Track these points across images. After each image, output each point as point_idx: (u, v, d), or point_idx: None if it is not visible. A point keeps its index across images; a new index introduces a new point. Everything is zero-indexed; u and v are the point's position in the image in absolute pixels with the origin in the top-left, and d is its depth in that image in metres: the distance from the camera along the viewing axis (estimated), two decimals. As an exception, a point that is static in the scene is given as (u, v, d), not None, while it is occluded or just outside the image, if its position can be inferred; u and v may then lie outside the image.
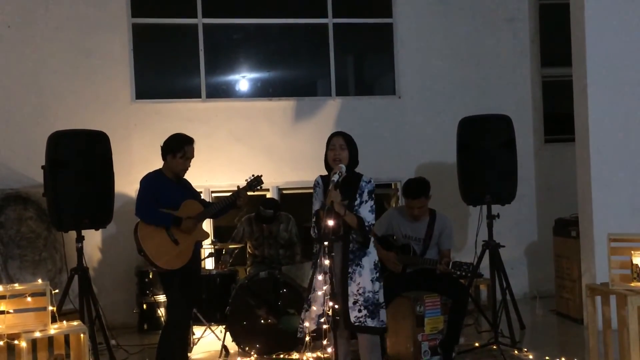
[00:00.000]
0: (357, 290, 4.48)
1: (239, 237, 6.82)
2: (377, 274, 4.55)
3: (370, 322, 4.47)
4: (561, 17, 7.40)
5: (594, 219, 6.66)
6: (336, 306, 4.38)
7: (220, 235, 7.63)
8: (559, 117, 8.55)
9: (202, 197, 5.71)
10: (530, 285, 8.35)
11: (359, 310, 4.47)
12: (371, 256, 4.55)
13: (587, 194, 6.78)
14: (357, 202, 4.51)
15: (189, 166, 5.35)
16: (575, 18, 6.92)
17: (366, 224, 4.47)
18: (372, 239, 4.61)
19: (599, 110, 6.71)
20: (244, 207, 5.66)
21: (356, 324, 4.47)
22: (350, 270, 4.49)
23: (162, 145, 5.33)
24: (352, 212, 4.46)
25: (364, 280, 4.48)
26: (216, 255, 6.88)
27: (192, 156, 5.33)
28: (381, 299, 4.56)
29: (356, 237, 4.50)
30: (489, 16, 8.43)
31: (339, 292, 4.51)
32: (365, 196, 4.52)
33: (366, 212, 4.50)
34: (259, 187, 5.59)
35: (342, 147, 4.57)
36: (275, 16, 8.20)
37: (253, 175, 5.60)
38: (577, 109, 6.96)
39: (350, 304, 4.47)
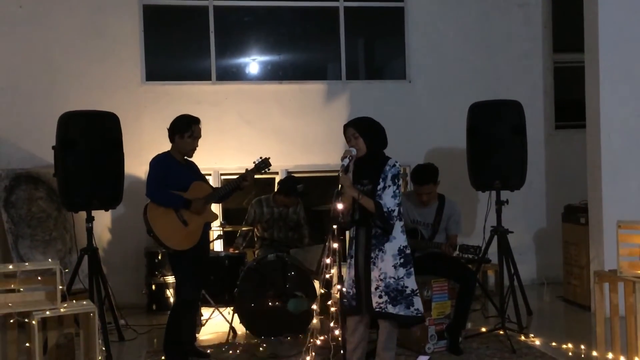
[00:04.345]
0: (379, 276, 4.45)
1: (250, 219, 6.84)
2: (402, 260, 4.48)
3: (391, 309, 4.45)
4: (574, 2, 7.34)
5: (603, 205, 6.64)
6: (344, 289, 4.42)
7: (229, 217, 7.66)
8: (570, 103, 8.51)
9: (209, 182, 5.73)
10: (538, 271, 8.36)
11: (380, 297, 4.44)
12: (395, 242, 4.48)
13: (597, 180, 6.76)
14: (380, 187, 4.44)
15: (197, 146, 5.37)
16: (588, 3, 6.87)
17: (385, 209, 4.42)
18: (402, 225, 4.57)
19: (611, 96, 6.68)
20: (249, 189, 5.67)
21: (377, 309, 4.46)
22: (372, 255, 4.47)
23: (168, 127, 5.35)
24: (368, 197, 4.43)
25: (385, 265, 4.45)
26: (225, 237, 6.91)
27: (200, 135, 5.36)
28: (409, 286, 4.48)
29: (377, 222, 4.46)
30: (501, 0, 8.37)
31: (362, 277, 4.52)
32: (388, 181, 4.44)
33: (388, 197, 4.42)
34: (266, 170, 5.61)
35: (355, 136, 4.54)
36: (286, -1, 8.18)
37: (261, 158, 5.62)
38: (589, 96, 6.92)
39: (372, 289, 4.46)
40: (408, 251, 4.56)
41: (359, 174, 4.51)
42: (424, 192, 5.75)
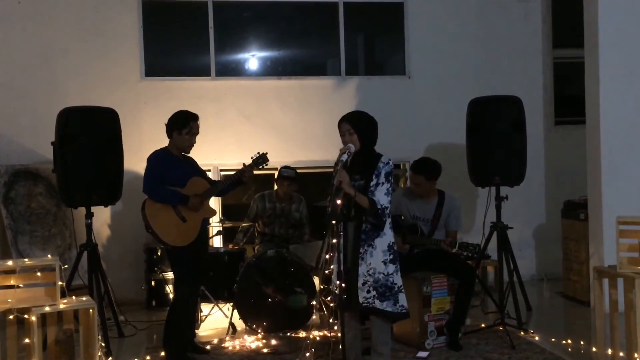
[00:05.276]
0: (367, 271, 4.45)
1: (252, 214, 6.84)
2: (391, 256, 4.49)
3: (378, 304, 4.45)
4: (573, -3, 7.33)
5: (602, 201, 6.64)
6: (343, 285, 4.42)
7: (229, 213, 7.66)
8: (570, 98, 8.50)
9: (208, 176, 5.72)
10: (538, 267, 8.36)
11: (368, 291, 4.45)
12: (385, 238, 4.49)
13: (596, 176, 6.76)
14: (373, 184, 4.43)
15: (195, 142, 5.36)
16: (588, -1, 6.87)
17: (379, 206, 4.42)
18: (390, 221, 4.57)
19: (610, 92, 6.67)
20: (249, 183, 5.65)
21: (364, 304, 4.46)
22: (361, 250, 4.47)
23: (166, 123, 5.34)
24: (363, 194, 4.43)
25: (374, 261, 4.45)
26: (224, 233, 6.91)
27: (198, 132, 5.35)
28: (397, 282, 4.50)
29: (370, 219, 4.46)
30: (500, -4, 8.38)
31: (350, 272, 4.52)
32: (382, 178, 4.43)
33: (381, 194, 4.42)
34: (264, 165, 5.60)
35: (349, 132, 4.53)
36: (285, -6, 8.17)
37: (258, 153, 5.61)
38: (588, 91, 6.92)
39: (359, 284, 4.47)
40: (396, 247, 4.57)
41: (350, 169, 4.50)
42: (413, 180, 5.77)
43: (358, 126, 4.52)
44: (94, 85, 7.51)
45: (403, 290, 4.55)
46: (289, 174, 6.73)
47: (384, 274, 4.45)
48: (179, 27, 8.09)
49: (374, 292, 4.44)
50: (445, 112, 8.01)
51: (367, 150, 4.54)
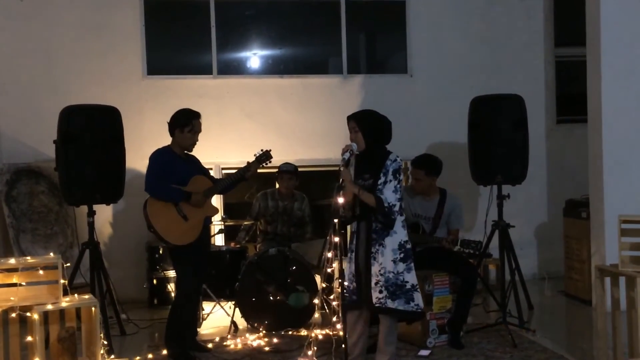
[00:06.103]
0: (379, 271, 4.46)
1: (254, 212, 6.84)
2: (402, 255, 4.49)
3: (390, 304, 4.45)
4: (576, -4, 7.32)
5: (604, 200, 6.64)
6: (345, 284, 4.42)
7: (230, 212, 7.66)
8: (572, 97, 8.49)
9: (210, 174, 5.73)
10: (540, 265, 8.35)
11: (380, 291, 4.45)
12: (396, 237, 4.49)
13: (598, 175, 6.75)
14: (381, 181, 4.44)
15: (197, 140, 5.37)
16: (591, -3, 6.86)
17: (386, 204, 4.42)
18: (402, 219, 4.57)
19: (613, 90, 6.66)
20: (251, 182, 5.66)
21: (377, 305, 4.46)
22: (373, 250, 4.48)
23: (169, 121, 5.35)
24: (368, 192, 4.42)
25: (385, 260, 4.46)
26: (226, 231, 6.91)
27: (200, 130, 5.36)
28: (409, 281, 4.49)
29: (379, 217, 4.46)
30: (503, -6, 8.37)
31: (362, 272, 4.52)
32: (389, 175, 4.45)
33: (389, 192, 4.43)
34: (267, 162, 5.61)
35: (354, 129, 4.55)
36: (287, -7, 8.16)
37: (262, 150, 5.62)
38: (591, 89, 6.91)
39: (372, 284, 4.47)
40: (409, 246, 4.55)
41: (359, 168, 4.51)
42: (413, 175, 5.83)
43: (362, 124, 4.53)
44: (96, 84, 7.50)
45: (418, 290, 4.54)
46: (288, 168, 6.76)
47: (393, 272, 4.45)
48: (181, 26, 8.08)
49: (385, 292, 4.45)
50: (447, 110, 7.99)
51: (374, 148, 4.54)
